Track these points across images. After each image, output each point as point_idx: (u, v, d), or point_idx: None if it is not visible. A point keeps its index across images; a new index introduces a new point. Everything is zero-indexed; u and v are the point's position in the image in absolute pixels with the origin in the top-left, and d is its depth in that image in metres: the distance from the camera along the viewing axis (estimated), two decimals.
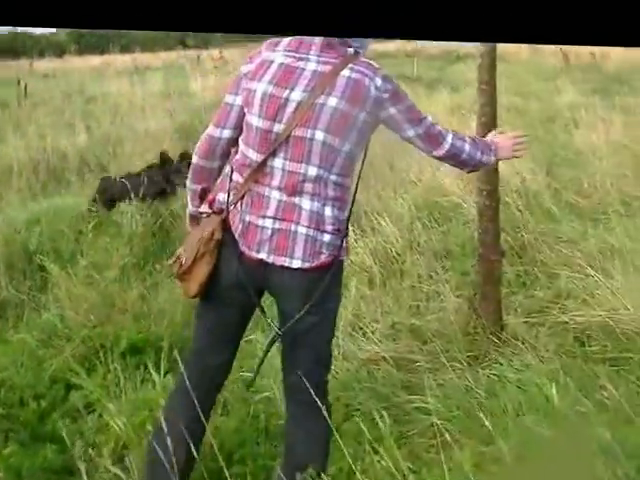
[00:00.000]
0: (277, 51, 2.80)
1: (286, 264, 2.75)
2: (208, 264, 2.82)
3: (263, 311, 2.97)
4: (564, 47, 26.60)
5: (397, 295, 5.20)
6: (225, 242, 2.82)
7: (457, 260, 5.68)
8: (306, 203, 2.75)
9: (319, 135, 2.71)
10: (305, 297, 2.76)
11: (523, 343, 4.26)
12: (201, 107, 12.08)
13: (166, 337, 4.53)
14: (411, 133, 2.83)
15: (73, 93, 16.56)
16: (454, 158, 2.96)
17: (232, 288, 2.85)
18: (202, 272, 2.82)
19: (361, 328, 4.77)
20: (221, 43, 38.26)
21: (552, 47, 28.97)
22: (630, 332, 4.24)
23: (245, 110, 2.82)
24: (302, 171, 2.74)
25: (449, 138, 2.91)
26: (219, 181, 2.96)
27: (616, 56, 26.83)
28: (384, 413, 3.34)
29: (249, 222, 2.79)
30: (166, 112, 11.76)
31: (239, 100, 2.84)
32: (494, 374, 3.98)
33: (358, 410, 3.87)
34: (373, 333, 4.67)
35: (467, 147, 2.96)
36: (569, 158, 9.19)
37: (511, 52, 30.84)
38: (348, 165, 2.79)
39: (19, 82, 13.23)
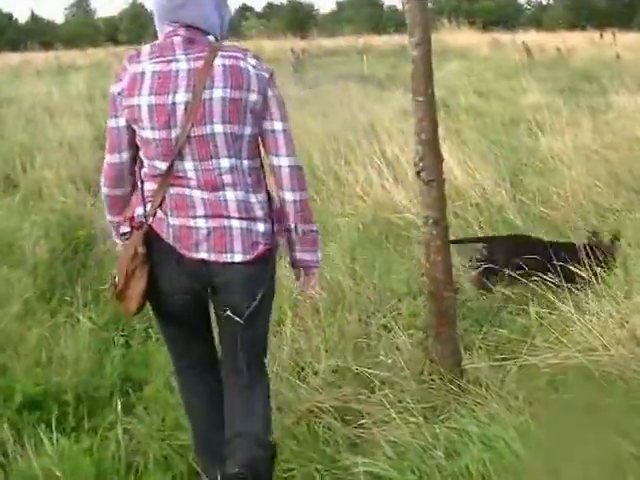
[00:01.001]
0: (143, 62, 2.94)
1: (228, 260, 2.97)
2: (141, 279, 2.99)
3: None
4: (527, 41, 26.71)
5: (342, 330, 4.89)
6: (158, 251, 2.98)
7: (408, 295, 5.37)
8: (230, 194, 2.96)
9: (218, 128, 2.91)
10: (248, 287, 3.02)
11: (487, 390, 3.94)
12: None
13: (70, 389, 4.16)
14: (279, 126, 3.04)
15: None
16: (297, 182, 3.09)
17: (179, 292, 3.06)
18: (137, 288, 3.00)
19: (302, 369, 4.48)
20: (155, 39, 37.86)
21: (515, 41, 29.08)
22: (611, 375, 3.95)
23: (135, 127, 2.96)
24: (215, 166, 2.93)
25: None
26: (133, 198, 3.09)
27: (584, 51, 26.98)
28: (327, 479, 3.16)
29: (180, 225, 2.96)
30: (86, 117, 11.30)
31: (122, 121, 2.98)
32: (454, 428, 3.66)
33: (295, 474, 3.55)
34: (315, 375, 4.36)
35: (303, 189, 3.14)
36: (535, 166, 8.95)
37: (470, 47, 30.96)
38: (254, 148, 3.03)
39: None
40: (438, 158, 4.01)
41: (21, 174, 8.78)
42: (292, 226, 3.16)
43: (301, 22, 66.60)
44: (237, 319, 3.05)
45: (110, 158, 3.05)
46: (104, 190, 3.13)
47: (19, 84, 16.97)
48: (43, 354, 4.50)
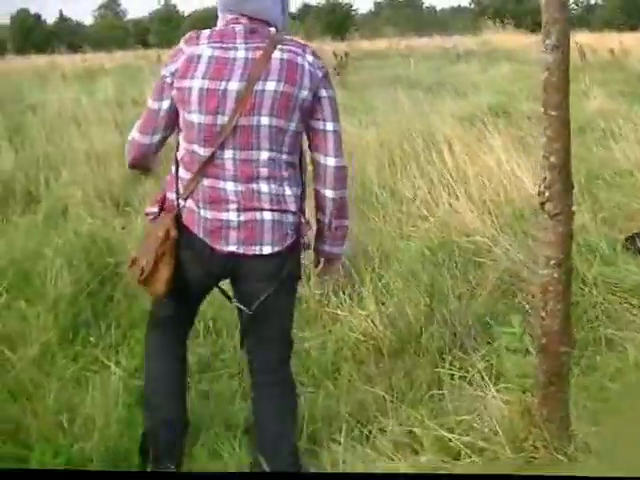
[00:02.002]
0: (201, 44, 3.03)
1: (257, 252, 3.07)
2: (169, 264, 3.09)
3: (228, 297, 3.29)
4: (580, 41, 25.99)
5: (412, 378, 4.33)
6: (187, 242, 3.09)
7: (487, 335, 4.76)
8: (264, 187, 3.05)
9: (264, 120, 3.00)
10: (271, 279, 3.10)
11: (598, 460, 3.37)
12: None
13: (96, 457, 3.61)
14: (331, 127, 3.14)
15: (8, 101, 15.66)
16: (340, 181, 3.21)
17: (197, 283, 3.23)
18: (166, 272, 3.09)
19: (364, 425, 3.96)
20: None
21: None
22: None
23: (181, 109, 3.06)
24: (254, 157, 3.03)
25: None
26: (167, 180, 3.21)
27: (638, 51, 26.22)
28: None
29: (211, 219, 3.06)
30: (116, 126, 10.78)
31: (166, 104, 3.10)
32: None
33: None
34: (382, 434, 3.80)
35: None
36: (610, 179, 8.30)
37: (517, 49, 30.22)
38: (295, 143, 3.13)
39: None
40: (568, 187, 3.43)
41: (44, 190, 8.26)
42: (326, 220, 3.29)
43: (339, 23, 66.10)
44: (248, 309, 3.16)
45: (140, 138, 3.18)
46: (128, 159, 3.28)
47: (44, 89, 16.52)
48: (64, 415, 3.92)
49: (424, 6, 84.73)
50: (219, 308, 4.87)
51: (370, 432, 3.88)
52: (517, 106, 12.81)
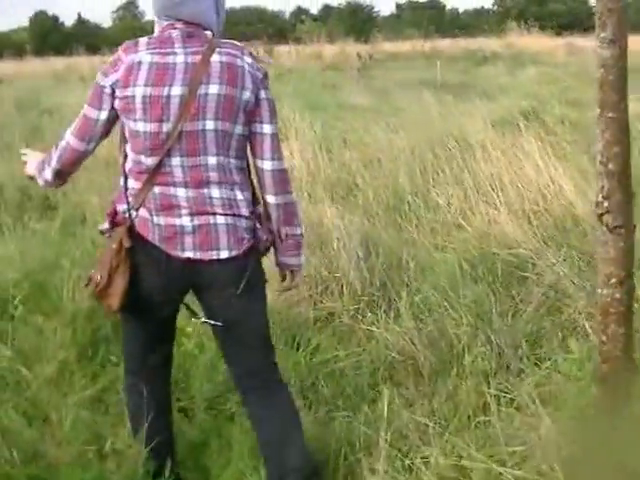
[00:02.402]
0: (140, 52, 3.01)
1: (215, 257, 3.06)
2: (124, 274, 3.04)
3: (193, 312, 3.31)
4: None
5: (455, 402, 4.06)
6: (142, 251, 3.05)
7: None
8: (215, 192, 3.05)
9: (210, 125, 3.01)
10: (235, 285, 3.08)
11: None
12: None
13: None
14: (268, 129, 3.13)
15: (26, 103, 15.52)
16: (280, 186, 3.20)
17: (158, 292, 3.13)
18: (120, 284, 3.05)
19: (406, 455, 3.64)
20: None
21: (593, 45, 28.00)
22: None
23: (125, 119, 3.04)
24: (202, 162, 3.02)
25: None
26: (115, 194, 3.17)
27: None
28: None
29: (165, 225, 3.03)
30: None
31: (104, 115, 3.07)
32: None
33: None
34: (426, 466, 3.53)
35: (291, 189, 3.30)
36: None
37: (543, 52, 29.90)
38: (243, 147, 3.15)
39: None
40: (628, 196, 3.13)
41: (61, 196, 8.07)
42: (275, 228, 3.26)
43: (361, 25, 65.78)
44: (222, 320, 3.16)
45: (75, 143, 3.13)
46: (55, 163, 3.20)
47: (62, 92, 16.40)
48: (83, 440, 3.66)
49: (446, 8, 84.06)
50: None
51: (412, 463, 3.58)
52: (549, 110, 12.49)
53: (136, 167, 3.06)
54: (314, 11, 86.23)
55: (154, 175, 3.01)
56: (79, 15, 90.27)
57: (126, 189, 3.09)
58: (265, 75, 3.14)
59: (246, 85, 3.04)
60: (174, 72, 2.98)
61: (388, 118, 11.86)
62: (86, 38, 58.34)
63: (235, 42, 3.16)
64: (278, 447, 3.26)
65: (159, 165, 3.00)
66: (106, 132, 3.14)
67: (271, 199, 3.20)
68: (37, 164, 3.30)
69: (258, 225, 3.19)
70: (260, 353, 3.31)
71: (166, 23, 3.10)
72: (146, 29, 75.54)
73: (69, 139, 3.14)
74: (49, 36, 68.32)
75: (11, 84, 24.09)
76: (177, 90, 2.97)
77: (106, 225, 3.16)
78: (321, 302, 5.34)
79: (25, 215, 7.66)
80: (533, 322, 4.78)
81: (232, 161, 3.09)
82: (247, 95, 3.04)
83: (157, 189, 3.03)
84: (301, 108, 11.38)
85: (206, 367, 4.39)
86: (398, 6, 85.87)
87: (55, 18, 78.02)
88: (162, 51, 3.01)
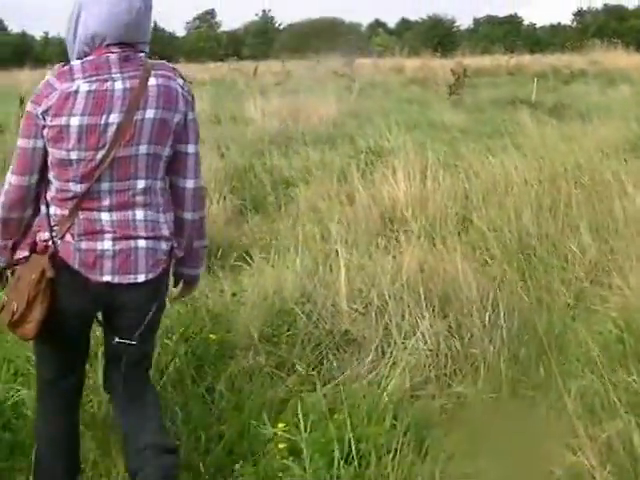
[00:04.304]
0: (76, 80, 2.92)
1: (132, 281, 3.04)
2: (42, 304, 2.97)
3: (107, 332, 3.26)
4: None
5: None
6: (63, 274, 2.98)
7: None
8: (140, 214, 3.03)
9: (143, 149, 2.98)
10: (146, 306, 3.11)
11: None
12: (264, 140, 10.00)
13: None
14: (192, 149, 3.14)
15: None
16: (199, 202, 3.21)
17: (76, 314, 3.11)
18: (38, 313, 2.98)
19: None
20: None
21: None
22: None
23: (52, 148, 2.96)
24: (132, 186, 3.00)
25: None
26: (36, 222, 3.09)
27: None
28: None
29: (86, 249, 2.99)
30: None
31: (40, 143, 2.97)
32: None
33: None
34: None
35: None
36: None
37: (630, 70, 28.45)
38: (165, 168, 3.12)
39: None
40: None
41: None
42: (185, 243, 3.22)
43: (440, 39, 64.59)
44: (130, 340, 3.10)
45: (18, 180, 3.02)
46: (1, 213, 3.08)
47: None
48: None
49: (524, 23, 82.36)
50: None
51: None
52: None
53: (61, 194, 2.99)
54: (392, 25, 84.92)
55: (81, 202, 2.96)
56: (155, 24, 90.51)
57: (48, 217, 3.01)
58: (193, 97, 3.14)
59: (179, 108, 3.03)
60: (112, 100, 2.91)
61: (486, 140, 10.76)
62: (160, 47, 58.33)
63: (166, 63, 3.10)
64: (137, 428, 3.21)
65: (87, 191, 2.95)
66: (44, 163, 3.00)
67: (189, 215, 3.19)
68: None
69: (176, 244, 3.17)
70: (148, 362, 3.38)
71: (102, 46, 2.97)
72: (220, 39, 75.23)
73: (10, 179, 3.03)
74: None
75: None
76: (115, 118, 2.91)
77: (25, 252, 3.07)
78: (449, 385, 4.24)
79: None
80: None
81: (158, 183, 3.07)
82: (178, 117, 3.03)
83: (82, 215, 2.98)
84: (392, 128, 10.36)
85: None
86: (476, 20, 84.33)
87: None
88: (100, 78, 2.92)
